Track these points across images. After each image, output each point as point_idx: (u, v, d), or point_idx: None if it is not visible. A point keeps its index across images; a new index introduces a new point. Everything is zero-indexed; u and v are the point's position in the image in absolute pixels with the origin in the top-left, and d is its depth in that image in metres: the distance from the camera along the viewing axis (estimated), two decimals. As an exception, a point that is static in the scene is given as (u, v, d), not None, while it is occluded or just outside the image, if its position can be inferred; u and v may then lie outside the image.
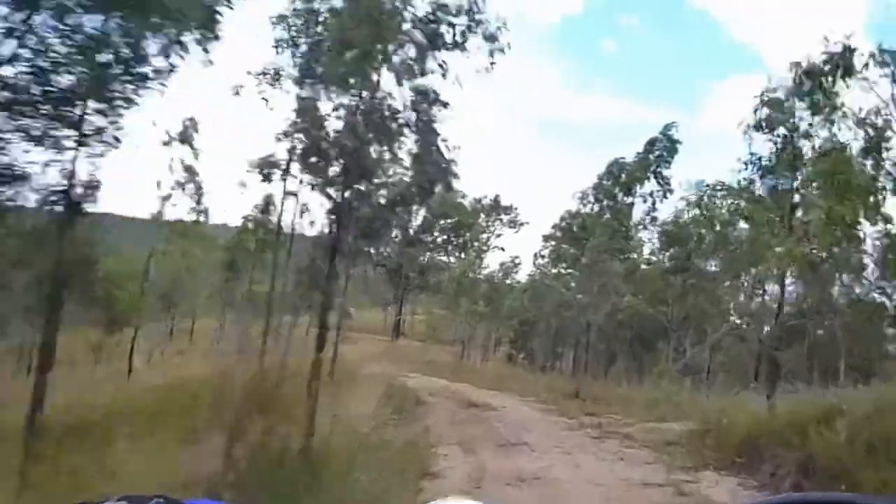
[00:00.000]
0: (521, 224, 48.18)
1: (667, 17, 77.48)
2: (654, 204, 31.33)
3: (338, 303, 18.61)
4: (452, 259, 48.61)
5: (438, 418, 14.13)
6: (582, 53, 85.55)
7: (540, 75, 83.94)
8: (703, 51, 73.36)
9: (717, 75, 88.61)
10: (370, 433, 10.15)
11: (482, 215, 49.71)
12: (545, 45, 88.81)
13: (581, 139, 79.57)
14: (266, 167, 12.45)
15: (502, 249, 45.68)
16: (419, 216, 48.79)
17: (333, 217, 12.79)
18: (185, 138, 24.48)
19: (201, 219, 28.19)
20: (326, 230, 13.25)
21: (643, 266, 31.77)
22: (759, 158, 13.36)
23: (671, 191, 30.46)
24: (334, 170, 11.96)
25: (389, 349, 39.96)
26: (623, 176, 32.34)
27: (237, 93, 14.99)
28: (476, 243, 46.89)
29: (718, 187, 14.43)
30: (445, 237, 50.37)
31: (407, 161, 13.52)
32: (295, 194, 12.09)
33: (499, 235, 47.94)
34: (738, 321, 28.09)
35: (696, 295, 25.89)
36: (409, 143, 13.59)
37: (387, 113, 12.40)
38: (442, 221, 49.06)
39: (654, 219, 31.48)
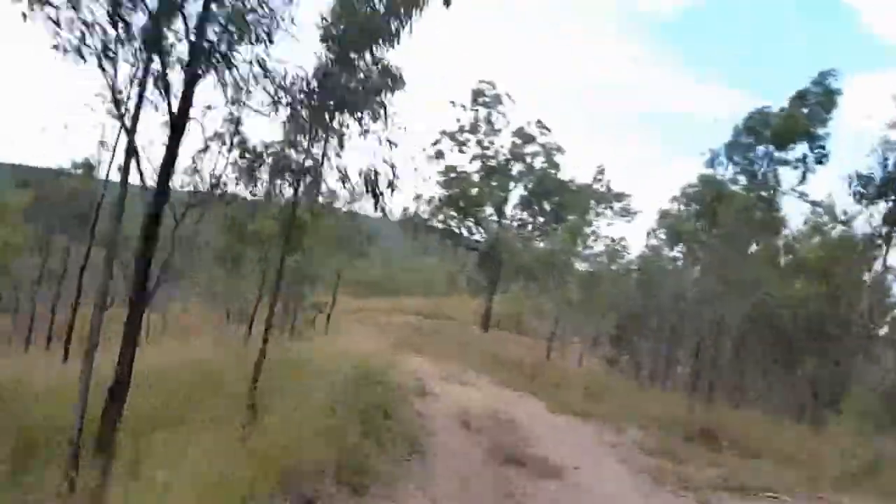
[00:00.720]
0: (635, 213, 40.25)
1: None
2: (804, 173, 23.59)
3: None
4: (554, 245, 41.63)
5: None
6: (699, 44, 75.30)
7: (655, 65, 75.18)
8: (835, 41, 61.00)
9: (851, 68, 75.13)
10: None
11: (592, 201, 42.08)
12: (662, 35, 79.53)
13: (696, 131, 70.07)
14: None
15: (613, 240, 37.64)
16: (516, 193, 42.38)
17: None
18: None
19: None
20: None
21: (797, 246, 23.97)
22: None
23: (826, 156, 23.37)
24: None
25: (458, 344, 33.15)
26: (767, 132, 24.65)
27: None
28: (585, 228, 39.07)
29: None
30: (544, 220, 43.53)
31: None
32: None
33: (609, 224, 40.08)
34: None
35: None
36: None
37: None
38: (545, 203, 42.49)
39: (802, 194, 23.79)
